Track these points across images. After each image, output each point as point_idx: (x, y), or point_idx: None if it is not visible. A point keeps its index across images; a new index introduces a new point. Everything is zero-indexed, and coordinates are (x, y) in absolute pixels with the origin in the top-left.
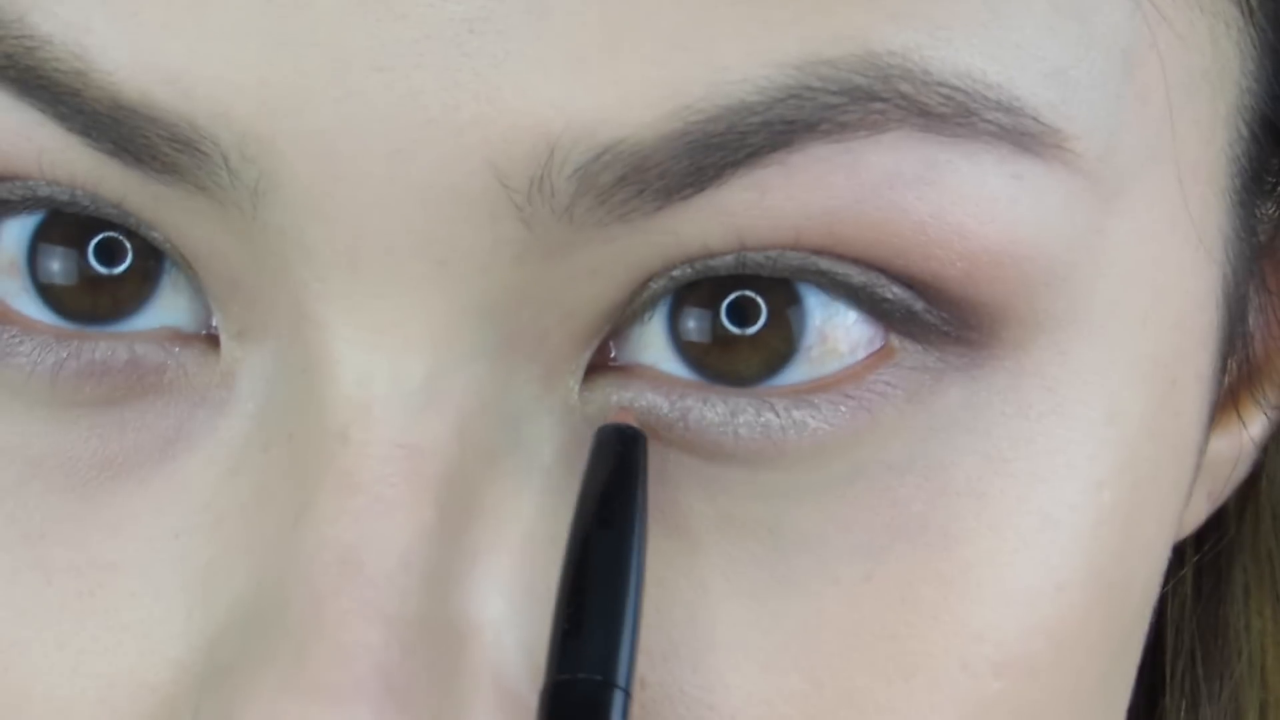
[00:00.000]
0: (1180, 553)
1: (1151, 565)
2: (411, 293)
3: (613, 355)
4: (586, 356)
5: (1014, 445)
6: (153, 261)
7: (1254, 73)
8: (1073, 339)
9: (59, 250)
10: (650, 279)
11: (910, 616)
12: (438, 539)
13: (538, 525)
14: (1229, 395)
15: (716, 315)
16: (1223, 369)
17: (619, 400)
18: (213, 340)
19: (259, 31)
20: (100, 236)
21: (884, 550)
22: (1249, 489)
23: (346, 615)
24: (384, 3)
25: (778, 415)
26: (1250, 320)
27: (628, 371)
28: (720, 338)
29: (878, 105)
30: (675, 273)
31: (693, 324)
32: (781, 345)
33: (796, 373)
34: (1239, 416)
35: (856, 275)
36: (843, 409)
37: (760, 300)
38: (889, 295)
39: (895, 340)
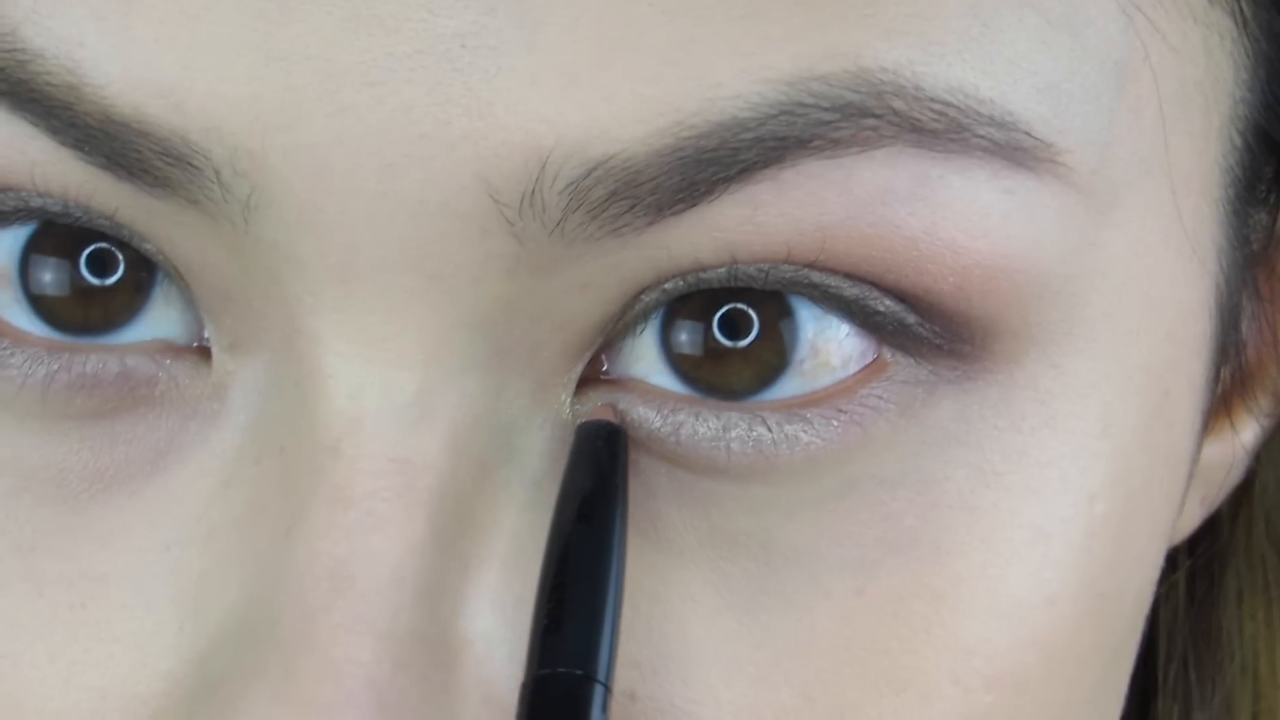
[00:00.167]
0: (1173, 557)
1: (1144, 575)
2: (403, 307)
3: (605, 368)
4: (578, 369)
5: (1006, 458)
6: (144, 273)
7: (1247, 82)
8: (1065, 352)
9: (51, 261)
10: (642, 292)
11: (902, 631)
12: (429, 554)
13: (529, 539)
14: (1222, 402)
15: (709, 328)
16: (1216, 377)
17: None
18: (204, 353)
19: (251, 46)
20: (92, 247)
21: (876, 564)
22: (1242, 494)
23: (338, 630)
24: (376, 18)
25: (770, 430)
26: (1243, 328)
27: (620, 385)
28: (712, 350)
29: (870, 121)
30: (667, 285)
31: (685, 336)
32: (773, 358)
33: (788, 386)
34: (1231, 423)
35: (848, 288)
36: (835, 423)
37: (752, 313)
38: (881, 308)
39: (888, 353)
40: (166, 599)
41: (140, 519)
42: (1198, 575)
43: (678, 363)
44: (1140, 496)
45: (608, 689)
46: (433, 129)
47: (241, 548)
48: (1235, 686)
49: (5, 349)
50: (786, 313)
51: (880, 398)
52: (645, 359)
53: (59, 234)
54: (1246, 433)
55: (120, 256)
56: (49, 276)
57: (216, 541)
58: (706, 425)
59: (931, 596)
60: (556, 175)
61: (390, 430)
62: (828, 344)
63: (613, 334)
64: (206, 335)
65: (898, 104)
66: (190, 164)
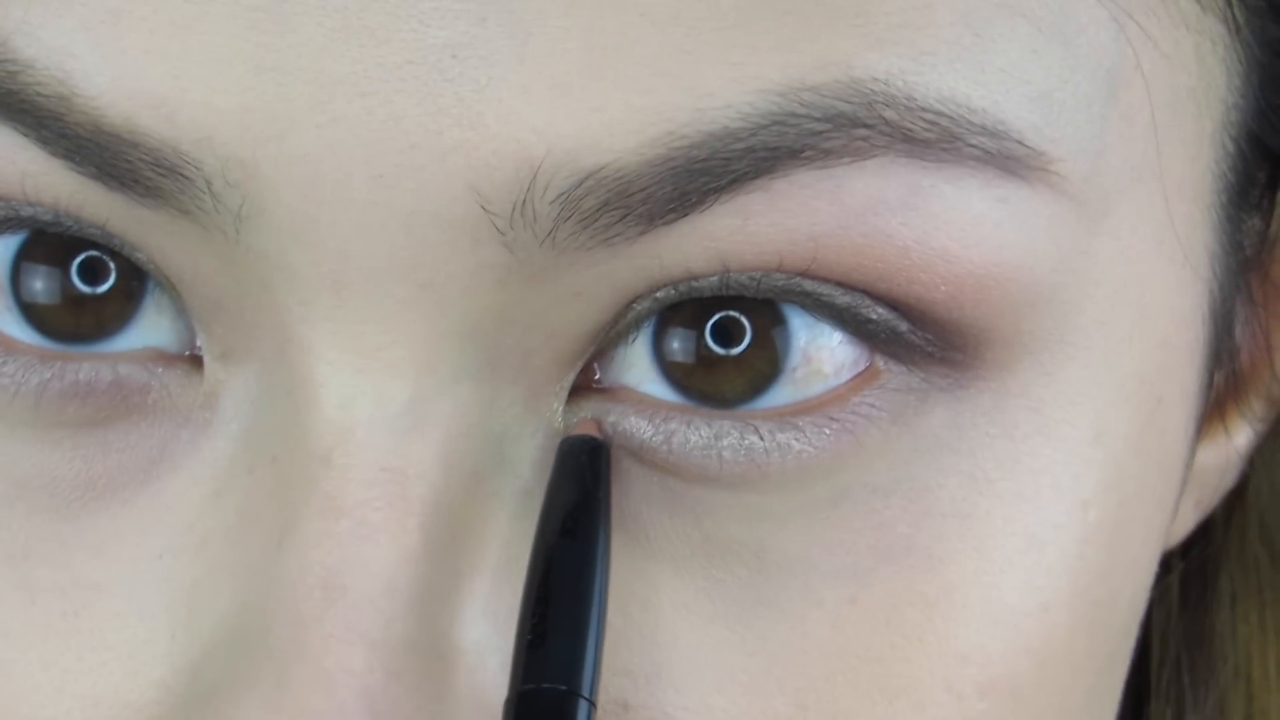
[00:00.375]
0: (1167, 560)
1: (1137, 581)
2: (395, 316)
3: (597, 377)
4: (570, 378)
5: (999, 466)
6: (136, 281)
7: (1240, 88)
8: (1058, 359)
9: (42, 269)
10: (634, 300)
11: (895, 638)
12: (422, 563)
13: (521, 547)
14: (1215, 407)
15: (701, 335)
16: (1209, 383)
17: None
18: (196, 361)
19: (242, 57)
20: (83, 255)
21: (868, 572)
22: (1235, 497)
23: (330, 640)
24: (366, 28)
25: (762, 438)
26: (1236, 333)
27: (612, 394)
28: (705, 358)
29: (862, 131)
30: (659, 294)
31: (677, 344)
32: (766, 366)
33: (781, 394)
34: (1225, 428)
35: (841, 297)
36: (827, 431)
37: (745, 321)
38: (873, 316)
39: (880, 361)
40: (159, 607)
41: (133, 527)
42: (1191, 578)
43: (670, 371)
44: (1133, 503)
45: (592, 704)
46: (424, 139)
47: (234, 557)
48: (1229, 689)
49: None
50: (779, 321)
51: (873, 406)
52: (637, 367)
53: (50, 242)
54: (1240, 437)
55: (112, 264)
56: (40, 284)
57: (209, 550)
58: (699, 433)
59: (924, 604)
60: (548, 185)
61: (382, 439)
62: (820, 352)
63: (605, 343)
64: (198, 344)
65: (889, 114)
66: (181, 174)
